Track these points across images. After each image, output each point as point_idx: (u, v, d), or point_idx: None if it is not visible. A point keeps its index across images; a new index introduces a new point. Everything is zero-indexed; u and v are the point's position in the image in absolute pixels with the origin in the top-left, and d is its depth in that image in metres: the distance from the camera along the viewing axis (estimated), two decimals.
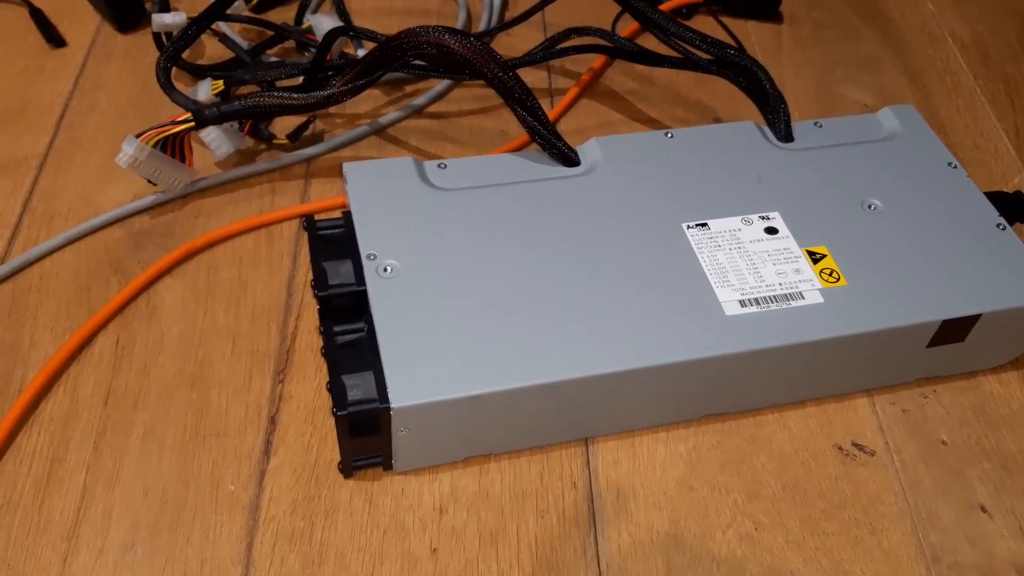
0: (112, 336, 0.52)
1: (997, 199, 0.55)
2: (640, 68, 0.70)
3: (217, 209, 0.59)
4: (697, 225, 0.51)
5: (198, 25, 0.62)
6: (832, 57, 0.75)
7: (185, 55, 0.65)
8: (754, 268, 0.49)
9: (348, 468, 0.46)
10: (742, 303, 0.48)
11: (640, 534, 0.45)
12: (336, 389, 0.44)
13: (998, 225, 0.52)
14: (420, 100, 0.67)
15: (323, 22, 0.67)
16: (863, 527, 0.46)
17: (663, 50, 0.63)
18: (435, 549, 0.44)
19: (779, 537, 0.46)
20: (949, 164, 0.56)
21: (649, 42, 0.65)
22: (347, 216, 0.51)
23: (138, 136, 0.55)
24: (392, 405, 0.42)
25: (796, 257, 0.50)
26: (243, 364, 0.51)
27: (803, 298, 0.48)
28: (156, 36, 0.64)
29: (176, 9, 0.65)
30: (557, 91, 0.69)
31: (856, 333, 0.47)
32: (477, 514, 0.46)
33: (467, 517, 0.46)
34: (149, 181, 0.57)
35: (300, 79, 0.62)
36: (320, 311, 0.48)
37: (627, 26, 0.72)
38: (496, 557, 0.44)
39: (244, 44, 0.68)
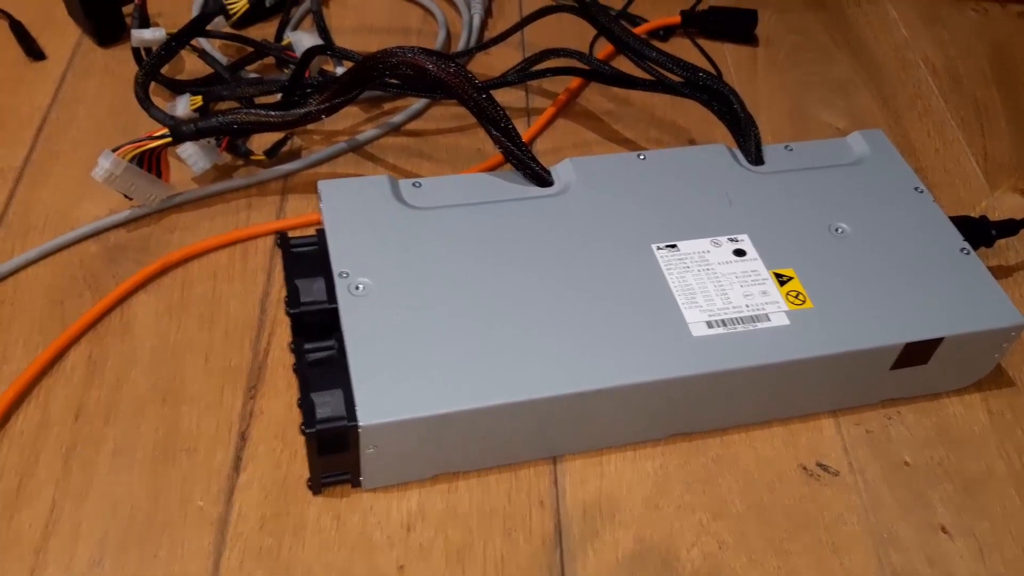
0: (85, 351, 0.52)
1: (962, 224, 0.56)
2: (617, 90, 0.71)
3: (193, 224, 0.60)
4: (667, 246, 0.52)
5: (178, 41, 0.62)
6: (806, 80, 0.76)
7: (164, 70, 0.66)
8: (722, 290, 0.50)
9: (317, 485, 0.47)
10: (709, 324, 0.48)
11: (606, 552, 0.46)
12: (305, 406, 0.44)
13: (962, 250, 0.53)
14: (397, 118, 0.67)
15: (303, 40, 0.67)
16: (826, 547, 0.47)
17: (638, 72, 0.64)
18: (402, 567, 0.45)
19: (743, 556, 0.46)
20: (916, 189, 0.57)
21: (625, 64, 0.66)
22: (321, 233, 0.51)
23: (115, 150, 0.55)
24: (360, 423, 0.43)
25: (763, 279, 0.51)
26: (215, 380, 0.51)
27: (769, 320, 0.49)
28: (135, 51, 0.65)
29: (156, 24, 0.65)
30: (534, 111, 0.70)
31: (821, 355, 0.48)
32: (444, 532, 0.46)
33: (434, 535, 0.46)
34: (125, 195, 0.58)
35: (278, 96, 0.62)
36: (292, 328, 0.48)
37: (605, 48, 0.73)
38: (463, 575, 0.45)
39: (223, 60, 0.69)
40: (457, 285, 0.49)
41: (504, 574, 0.45)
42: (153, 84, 0.63)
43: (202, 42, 0.69)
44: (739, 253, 0.52)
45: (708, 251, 0.52)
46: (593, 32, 0.71)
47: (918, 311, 0.50)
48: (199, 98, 0.63)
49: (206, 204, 0.61)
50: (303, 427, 0.43)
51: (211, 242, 0.58)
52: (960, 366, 0.52)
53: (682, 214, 0.54)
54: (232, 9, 0.72)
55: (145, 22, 0.66)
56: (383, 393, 0.44)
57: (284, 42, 0.69)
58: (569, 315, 0.48)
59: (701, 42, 0.76)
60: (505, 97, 0.69)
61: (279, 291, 0.56)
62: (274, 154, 0.63)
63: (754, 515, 0.48)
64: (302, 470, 0.48)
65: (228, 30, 0.70)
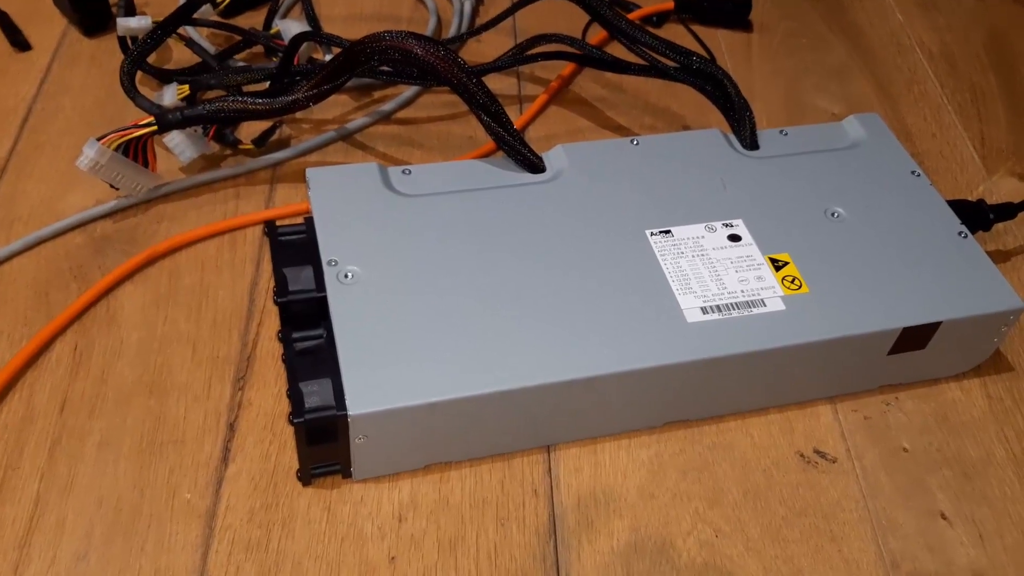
0: (70, 342, 0.51)
1: (960, 207, 0.55)
2: (609, 75, 0.70)
3: (180, 214, 0.59)
4: (661, 232, 0.51)
5: (164, 29, 0.61)
6: (801, 66, 0.75)
7: (151, 59, 0.65)
8: (716, 275, 0.49)
9: (307, 476, 0.46)
10: (704, 310, 0.48)
11: (600, 542, 0.45)
12: (294, 396, 0.43)
13: (960, 233, 0.52)
14: (388, 106, 0.66)
15: (291, 27, 0.67)
16: (823, 534, 0.46)
17: (631, 58, 0.63)
18: (393, 558, 0.44)
19: (739, 544, 0.45)
20: (912, 172, 0.56)
21: (618, 49, 0.65)
22: (309, 222, 0.51)
23: (100, 139, 0.54)
24: (349, 412, 0.42)
25: (758, 264, 0.50)
26: (203, 371, 0.51)
27: (764, 305, 0.48)
28: (122, 40, 0.64)
29: (143, 13, 0.64)
30: (526, 98, 0.69)
31: (817, 340, 0.47)
32: (436, 522, 0.45)
33: (426, 525, 0.45)
34: (111, 185, 0.57)
35: (267, 84, 0.61)
36: (280, 317, 0.48)
37: (597, 35, 0.72)
38: (455, 566, 0.44)
39: (211, 49, 0.68)
40: (448, 273, 0.48)
41: (497, 564, 0.44)
42: (140, 74, 0.63)
43: (189, 30, 0.68)
44: (734, 238, 0.51)
45: (703, 236, 0.51)
46: (586, 19, 0.71)
47: (915, 295, 0.49)
48: (186, 87, 0.62)
49: (194, 194, 0.60)
50: (292, 417, 0.43)
51: (199, 232, 0.57)
52: (958, 351, 0.51)
53: (676, 200, 0.53)
54: None
55: (131, 10, 0.65)
56: (372, 382, 0.43)
57: (272, 30, 0.68)
58: (562, 302, 0.47)
59: (695, 28, 0.75)
60: (497, 84, 0.68)
61: (268, 280, 0.55)
62: (262, 143, 0.63)
63: (751, 503, 0.47)
64: (291, 461, 0.47)
65: (215, 18, 0.69)
